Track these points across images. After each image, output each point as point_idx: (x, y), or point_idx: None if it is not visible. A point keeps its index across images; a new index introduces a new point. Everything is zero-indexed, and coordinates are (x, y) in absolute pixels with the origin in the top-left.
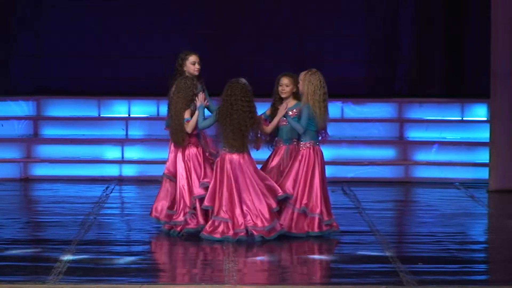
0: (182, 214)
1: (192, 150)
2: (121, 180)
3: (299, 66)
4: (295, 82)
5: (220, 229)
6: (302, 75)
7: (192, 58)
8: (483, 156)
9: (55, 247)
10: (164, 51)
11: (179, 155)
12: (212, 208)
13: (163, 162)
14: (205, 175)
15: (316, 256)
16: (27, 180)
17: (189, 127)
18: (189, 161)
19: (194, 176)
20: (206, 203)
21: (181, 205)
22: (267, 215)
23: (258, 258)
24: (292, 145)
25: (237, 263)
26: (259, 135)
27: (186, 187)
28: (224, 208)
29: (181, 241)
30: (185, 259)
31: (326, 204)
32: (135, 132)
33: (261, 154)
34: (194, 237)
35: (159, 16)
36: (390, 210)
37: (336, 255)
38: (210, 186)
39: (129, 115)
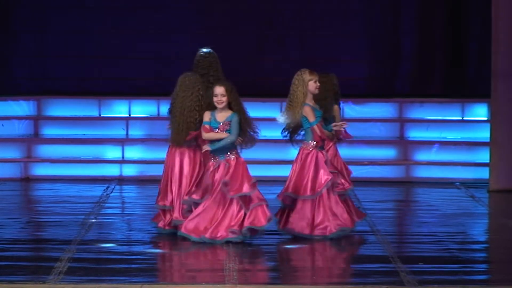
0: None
1: (197, 154)
2: (121, 180)
3: (300, 66)
4: None
5: None
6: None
7: None
8: (484, 156)
9: (55, 247)
10: (165, 51)
11: (178, 157)
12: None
13: (163, 162)
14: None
15: (317, 256)
16: (27, 180)
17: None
18: (197, 164)
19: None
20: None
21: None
22: None
23: (258, 258)
24: None
25: (237, 263)
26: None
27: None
28: None
29: (181, 241)
30: (186, 259)
31: None
32: (136, 132)
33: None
34: None
35: (159, 16)
36: (391, 210)
37: (337, 255)
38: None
39: (129, 115)
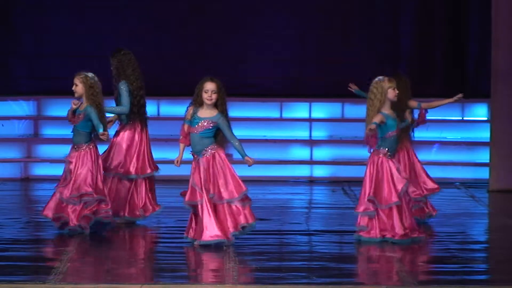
0: None
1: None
2: None
3: (300, 66)
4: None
5: None
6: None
7: None
8: (484, 156)
9: (55, 247)
10: (164, 51)
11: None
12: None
13: (162, 162)
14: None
15: (316, 256)
16: (27, 180)
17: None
18: None
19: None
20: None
21: None
22: None
23: (255, 258)
24: None
25: (237, 263)
26: None
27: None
28: None
29: (181, 241)
30: (186, 259)
31: None
32: None
33: None
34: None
35: (158, 16)
36: None
37: (336, 255)
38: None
39: None
